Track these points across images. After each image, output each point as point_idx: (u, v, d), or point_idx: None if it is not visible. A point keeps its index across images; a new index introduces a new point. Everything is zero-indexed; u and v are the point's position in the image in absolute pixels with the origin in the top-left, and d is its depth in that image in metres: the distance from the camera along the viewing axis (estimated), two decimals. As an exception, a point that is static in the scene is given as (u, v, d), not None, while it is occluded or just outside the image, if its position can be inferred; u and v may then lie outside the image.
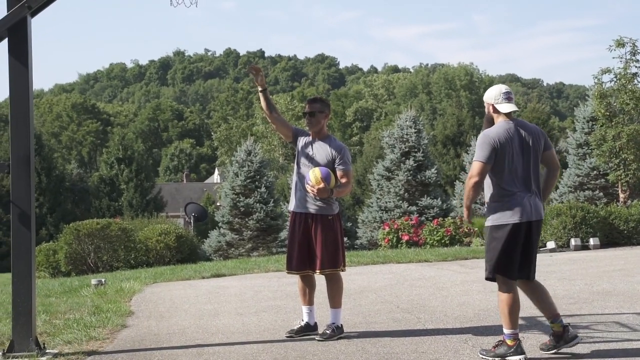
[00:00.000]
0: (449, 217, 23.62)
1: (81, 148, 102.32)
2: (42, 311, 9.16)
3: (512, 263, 6.23)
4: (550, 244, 18.08)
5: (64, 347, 7.12)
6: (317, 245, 7.19)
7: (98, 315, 8.82)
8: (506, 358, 6.08)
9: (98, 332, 7.81)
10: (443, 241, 21.08)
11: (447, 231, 21.36)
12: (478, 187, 6.28)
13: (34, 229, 7.00)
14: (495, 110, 6.33)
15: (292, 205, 7.50)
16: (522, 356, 6.03)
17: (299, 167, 7.40)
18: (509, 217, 6.18)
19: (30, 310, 6.75)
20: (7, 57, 6.97)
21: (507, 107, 6.28)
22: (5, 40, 7.01)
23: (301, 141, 7.41)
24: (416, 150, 29.79)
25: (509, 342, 6.12)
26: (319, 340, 7.06)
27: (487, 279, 6.41)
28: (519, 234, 6.20)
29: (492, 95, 6.35)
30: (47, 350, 6.81)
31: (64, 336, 7.58)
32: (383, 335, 7.30)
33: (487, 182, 6.32)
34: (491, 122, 6.39)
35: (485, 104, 6.42)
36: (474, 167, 6.23)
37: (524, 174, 6.23)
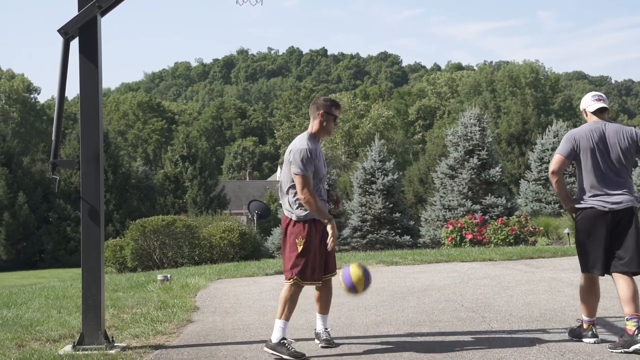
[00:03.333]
0: (514, 216, 23.34)
1: (146, 146, 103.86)
2: (110, 305, 9.32)
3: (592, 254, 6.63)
4: None
5: (131, 341, 7.24)
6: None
7: (164, 310, 8.94)
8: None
9: (164, 327, 7.92)
10: (507, 240, 20.84)
11: (511, 230, 21.12)
12: (555, 176, 6.76)
13: (103, 225, 7.13)
14: (587, 113, 6.81)
15: (305, 214, 6.74)
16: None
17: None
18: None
19: (99, 304, 6.89)
20: (77, 56, 7.09)
21: (595, 105, 6.73)
22: (76, 40, 7.15)
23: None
24: (480, 148, 29.50)
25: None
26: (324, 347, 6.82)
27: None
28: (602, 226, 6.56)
29: (585, 102, 6.84)
30: (116, 344, 6.94)
31: (132, 330, 7.71)
32: (448, 334, 7.25)
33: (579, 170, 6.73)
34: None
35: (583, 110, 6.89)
36: (552, 159, 6.76)
37: (607, 171, 6.58)
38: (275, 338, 6.46)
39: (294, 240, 6.68)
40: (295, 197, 6.71)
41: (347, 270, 6.84)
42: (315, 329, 7.11)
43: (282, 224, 6.81)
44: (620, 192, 6.56)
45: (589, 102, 6.78)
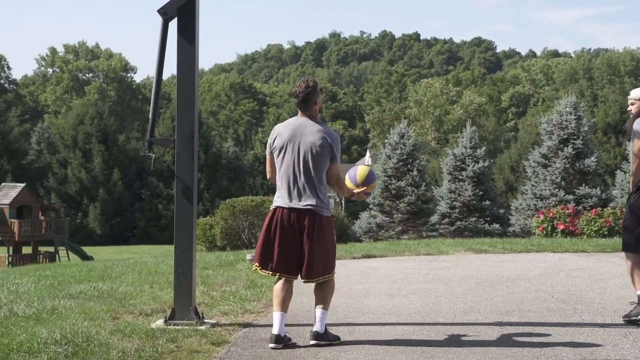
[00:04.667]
0: (609, 208, 22.76)
1: (237, 127, 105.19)
2: (200, 282, 9.50)
3: None
4: None
5: (220, 318, 7.36)
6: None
7: (253, 290, 9.06)
8: None
9: (253, 306, 8.02)
10: (601, 232, 20.35)
11: (606, 222, 20.61)
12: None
13: (196, 203, 7.25)
14: None
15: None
16: None
17: None
18: None
19: (190, 281, 7.02)
20: (175, 37, 7.21)
21: None
22: (174, 20, 7.27)
23: None
24: (575, 137, 28.86)
25: None
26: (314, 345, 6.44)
27: None
28: None
29: None
30: (206, 320, 7.07)
31: (221, 307, 7.83)
32: (537, 325, 7.13)
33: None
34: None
35: (636, 100, 7.39)
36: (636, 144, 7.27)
37: None
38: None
39: (332, 234, 6.53)
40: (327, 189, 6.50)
41: (355, 169, 6.80)
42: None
43: (303, 220, 6.34)
44: None
45: None
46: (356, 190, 6.72)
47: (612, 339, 6.45)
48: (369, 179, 6.74)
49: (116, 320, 7.12)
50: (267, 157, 6.65)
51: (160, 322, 6.90)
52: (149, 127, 7.38)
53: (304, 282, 6.46)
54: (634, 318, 7.11)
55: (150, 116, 7.32)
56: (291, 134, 6.44)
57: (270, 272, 6.38)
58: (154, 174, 64.45)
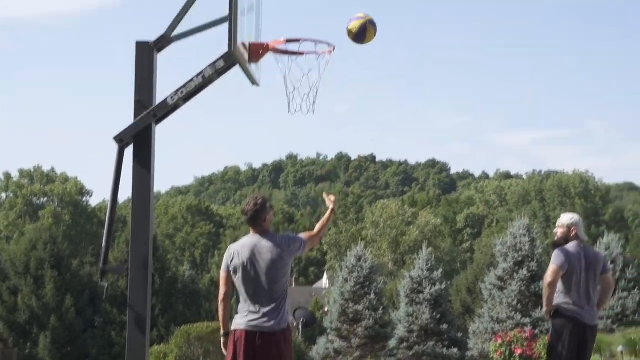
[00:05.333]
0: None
1: (194, 250, 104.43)
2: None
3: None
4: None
5: None
6: None
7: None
8: None
9: None
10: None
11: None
12: (551, 286, 7.77)
13: (149, 332, 7.07)
14: (575, 236, 8.01)
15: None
16: None
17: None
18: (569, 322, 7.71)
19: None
20: (131, 162, 7.20)
21: (584, 236, 8.20)
22: (131, 146, 7.27)
23: None
24: (530, 259, 29.12)
25: None
26: None
27: None
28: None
29: (575, 222, 8.13)
30: None
31: None
32: None
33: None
34: (564, 242, 7.97)
35: (562, 226, 8.07)
36: (552, 271, 7.82)
37: (585, 288, 7.82)
38: None
39: (292, 351, 6.57)
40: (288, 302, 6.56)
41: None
42: None
43: (265, 341, 6.33)
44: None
45: (579, 227, 8.18)
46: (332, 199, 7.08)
47: None
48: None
49: None
50: (223, 275, 6.62)
51: None
52: (102, 255, 7.27)
53: None
54: None
55: (103, 244, 7.23)
56: (248, 254, 6.48)
57: None
58: (108, 300, 63.24)
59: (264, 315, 6.36)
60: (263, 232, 6.62)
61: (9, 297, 64.02)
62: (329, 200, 7.20)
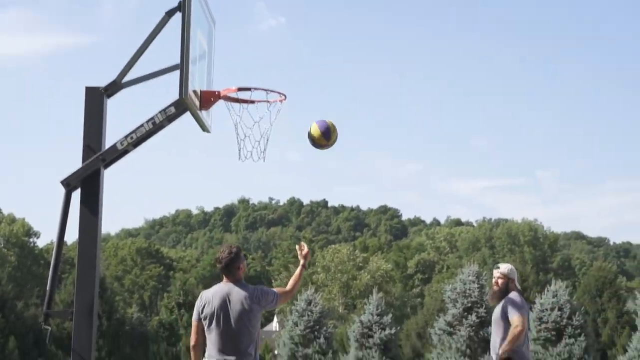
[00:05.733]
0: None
1: (143, 292, 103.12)
2: None
3: None
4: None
5: None
6: None
7: None
8: None
9: None
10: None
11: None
12: (521, 334, 8.10)
13: (93, 378, 7.01)
14: (514, 286, 8.40)
15: None
16: None
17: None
18: None
19: None
20: (78, 206, 7.18)
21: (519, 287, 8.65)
22: (78, 190, 7.26)
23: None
24: (479, 305, 29.33)
25: None
26: None
27: None
28: None
29: (514, 273, 8.49)
30: None
31: None
32: None
33: (507, 331, 8.08)
34: (505, 292, 8.32)
35: (504, 276, 8.36)
36: (522, 319, 8.15)
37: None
38: None
39: None
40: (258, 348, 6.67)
41: (325, 122, 7.21)
42: None
43: None
44: None
45: (517, 278, 8.55)
46: (303, 252, 7.16)
47: None
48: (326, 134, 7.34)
49: None
50: (194, 323, 6.72)
51: None
52: (46, 298, 7.22)
53: None
54: None
55: (48, 287, 7.18)
56: (220, 301, 6.56)
57: None
58: (54, 342, 62.06)
59: None
60: (236, 281, 6.71)
61: (-50, 338, 62.51)
62: (300, 254, 7.21)
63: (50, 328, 7.37)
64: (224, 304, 6.53)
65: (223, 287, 6.69)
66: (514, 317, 8.06)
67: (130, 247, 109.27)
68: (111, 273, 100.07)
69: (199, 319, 6.62)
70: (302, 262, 7.18)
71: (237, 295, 6.56)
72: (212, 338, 6.53)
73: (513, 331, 8.00)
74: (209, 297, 6.67)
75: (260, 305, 6.55)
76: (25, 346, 62.77)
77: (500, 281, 8.33)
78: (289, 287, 7.07)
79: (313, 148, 7.42)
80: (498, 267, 8.50)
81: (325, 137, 7.40)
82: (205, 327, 6.57)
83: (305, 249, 7.23)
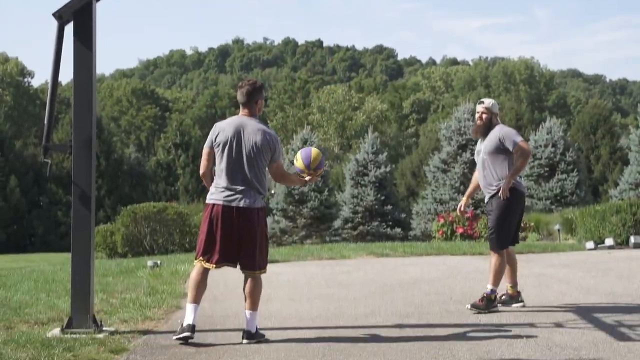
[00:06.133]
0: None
1: (139, 133, 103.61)
2: (100, 290, 9.32)
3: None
4: (609, 241, 17.76)
5: (120, 326, 7.24)
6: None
7: (153, 296, 8.96)
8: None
9: (153, 312, 7.93)
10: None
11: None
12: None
13: (94, 210, 7.13)
14: (497, 120, 8.40)
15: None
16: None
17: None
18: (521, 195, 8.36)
19: (88, 289, 6.88)
20: (72, 40, 7.07)
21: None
22: (71, 24, 7.12)
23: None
24: (473, 143, 29.54)
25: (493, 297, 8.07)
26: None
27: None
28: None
29: (497, 109, 8.51)
30: (104, 328, 6.93)
31: (121, 315, 7.72)
32: (436, 326, 7.28)
33: (503, 163, 8.14)
34: (489, 126, 8.32)
35: (487, 111, 8.34)
36: (527, 144, 8.29)
37: None
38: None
39: (267, 232, 6.85)
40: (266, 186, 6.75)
41: (309, 150, 7.05)
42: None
43: (241, 216, 6.54)
44: None
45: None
46: (307, 178, 7.01)
47: (507, 338, 6.63)
48: (320, 165, 7.05)
49: (10, 330, 6.92)
50: (206, 150, 6.77)
51: (56, 331, 6.74)
52: (44, 132, 7.22)
53: (244, 271, 6.66)
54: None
55: (45, 121, 7.17)
56: (234, 131, 6.63)
57: (214, 265, 6.58)
58: (53, 181, 62.86)
59: (238, 193, 6.56)
60: (251, 115, 6.73)
61: (-50, 177, 63.28)
62: (307, 176, 7.04)
63: (50, 161, 7.41)
64: (238, 134, 6.59)
65: (237, 119, 6.76)
66: (519, 142, 8.13)
67: (126, 88, 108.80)
68: (107, 114, 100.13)
69: (211, 147, 6.69)
70: (306, 178, 7.04)
71: (251, 127, 6.62)
72: (222, 167, 6.63)
73: (520, 159, 8.10)
74: (222, 126, 6.73)
75: (269, 146, 6.59)
76: (25, 184, 63.69)
77: (484, 116, 8.32)
78: (285, 175, 6.99)
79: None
80: (482, 102, 8.45)
81: (306, 165, 7.03)
82: (217, 156, 6.66)
83: (309, 178, 7.09)
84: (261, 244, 6.65)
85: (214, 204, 6.62)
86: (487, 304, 8.04)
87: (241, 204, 6.55)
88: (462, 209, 8.71)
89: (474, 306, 8.00)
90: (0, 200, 61.65)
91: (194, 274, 6.70)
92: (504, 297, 8.41)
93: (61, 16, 7.00)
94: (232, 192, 6.58)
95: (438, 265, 12.74)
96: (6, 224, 62.09)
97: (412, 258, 14.12)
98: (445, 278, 10.93)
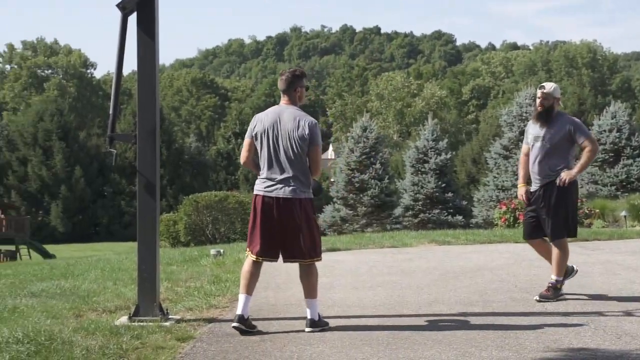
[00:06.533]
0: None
1: (199, 122, 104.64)
2: (165, 278, 9.43)
3: None
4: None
5: (185, 314, 7.32)
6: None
7: (217, 285, 9.02)
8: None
9: (218, 301, 8.00)
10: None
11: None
12: None
13: (159, 199, 7.20)
14: (558, 105, 8.14)
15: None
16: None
17: None
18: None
19: (154, 277, 6.97)
20: (135, 31, 7.13)
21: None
22: (134, 15, 7.19)
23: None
24: (535, 128, 29.16)
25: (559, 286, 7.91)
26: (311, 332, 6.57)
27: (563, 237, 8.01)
28: None
29: (559, 93, 8.19)
30: (170, 316, 7.02)
31: (186, 303, 7.80)
32: (501, 314, 7.19)
33: (567, 152, 7.98)
34: (550, 112, 8.02)
35: (549, 96, 8.00)
36: (593, 139, 8.11)
37: None
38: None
39: (315, 219, 6.79)
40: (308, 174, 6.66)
41: None
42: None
43: (284, 206, 6.52)
44: None
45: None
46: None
47: (574, 326, 6.52)
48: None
49: (79, 318, 7.05)
50: (246, 141, 6.77)
51: (124, 319, 6.84)
52: (109, 122, 7.30)
53: (292, 261, 6.72)
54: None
55: (110, 112, 7.24)
56: (271, 121, 6.60)
57: (254, 257, 6.61)
58: (117, 171, 63.91)
59: (278, 182, 6.55)
60: (291, 102, 6.70)
61: (18, 167, 64.83)
62: None
63: (115, 151, 7.49)
64: (275, 123, 6.57)
65: (276, 108, 6.74)
66: (588, 141, 7.93)
67: (185, 78, 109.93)
68: (168, 104, 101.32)
69: (251, 138, 6.70)
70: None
71: (288, 115, 6.57)
72: (262, 157, 6.64)
73: (589, 154, 7.96)
74: (261, 117, 6.73)
75: (307, 129, 6.48)
76: (90, 175, 64.86)
77: (545, 102, 8.01)
78: (317, 170, 6.73)
79: None
80: (543, 87, 8.10)
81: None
82: (257, 146, 6.67)
83: None
84: (309, 232, 6.60)
85: (256, 195, 6.64)
86: (555, 292, 7.89)
87: (281, 193, 6.52)
88: (525, 197, 8.29)
89: (542, 297, 7.85)
90: (65, 191, 62.95)
91: (245, 264, 6.73)
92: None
93: (125, 7, 7.08)
94: (272, 183, 6.56)
95: (501, 252, 12.59)
96: (72, 214, 63.40)
97: (475, 246, 13.99)
98: (509, 266, 10.80)
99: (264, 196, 6.55)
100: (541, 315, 7.11)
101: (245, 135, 6.82)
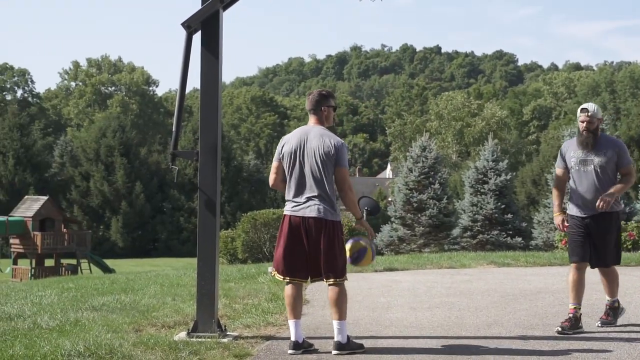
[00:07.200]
0: (632, 221, 22.56)
1: (258, 140, 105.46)
2: (222, 295, 9.48)
3: None
4: None
5: (243, 331, 7.36)
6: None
7: (275, 302, 9.05)
8: None
9: (275, 318, 8.02)
10: (625, 246, 20.17)
11: (630, 235, 20.43)
12: None
13: (219, 216, 7.27)
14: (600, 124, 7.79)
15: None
16: None
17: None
18: None
19: (213, 293, 7.02)
20: (199, 50, 7.24)
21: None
22: (199, 33, 7.30)
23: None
24: (598, 150, 28.70)
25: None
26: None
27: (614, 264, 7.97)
28: None
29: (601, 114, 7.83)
30: (228, 333, 7.06)
31: (243, 320, 7.83)
32: (561, 338, 7.07)
33: (613, 176, 7.80)
34: (596, 134, 7.69)
35: (595, 119, 7.63)
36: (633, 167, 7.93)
37: None
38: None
39: (342, 240, 6.68)
40: (335, 195, 6.58)
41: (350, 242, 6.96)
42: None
43: (311, 227, 6.46)
44: None
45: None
46: (360, 219, 6.90)
47: (638, 352, 6.38)
48: (356, 256, 6.96)
49: (139, 332, 7.13)
50: (274, 164, 6.74)
51: (182, 335, 6.90)
52: (172, 139, 7.40)
53: (312, 281, 6.69)
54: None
55: (174, 129, 7.35)
56: (297, 141, 6.58)
57: (282, 277, 6.62)
58: (176, 187, 64.72)
59: (304, 203, 6.49)
60: (318, 122, 6.67)
61: (81, 182, 66.14)
62: (366, 230, 7.03)
63: (177, 168, 7.59)
64: (301, 143, 6.52)
65: (303, 129, 6.69)
66: (631, 166, 7.81)
67: (245, 96, 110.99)
68: (227, 122, 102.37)
69: (279, 160, 6.65)
70: (360, 220, 6.90)
71: (314, 135, 6.51)
72: (289, 176, 6.59)
73: (631, 180, 7.90)
74: (288, 138, 6.70)
75: (332, 148, 6.38)
76: (149, 190, 65.77)
77: (590, 125, 7.61)
78: (347, 184, 6.60)
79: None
80: (586, 110, 7.64)
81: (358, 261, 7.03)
82: (284, 166, 6.61)
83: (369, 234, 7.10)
84: (333, 252, 6.50)
85: (284, 215, 6.62)
86: (614, 314, 7.81)
87: (307, 213, 6.46)
88: (563, 224, 8.15)
89: (604, 323, 7.74)
90: (126, 206, 63.93)
91: (285, 290, 6.70)
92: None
93: (190, 26, 7.20)
94: (297, 203, 6.51)
95: (562, 275, 12.35)
96: (131, 229, 64.33)
97: (535, 268, 13.79)
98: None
99: (290, 216, 6.53)
100: (603, 340, 6.97)
101: (274, 158, 6.77)
